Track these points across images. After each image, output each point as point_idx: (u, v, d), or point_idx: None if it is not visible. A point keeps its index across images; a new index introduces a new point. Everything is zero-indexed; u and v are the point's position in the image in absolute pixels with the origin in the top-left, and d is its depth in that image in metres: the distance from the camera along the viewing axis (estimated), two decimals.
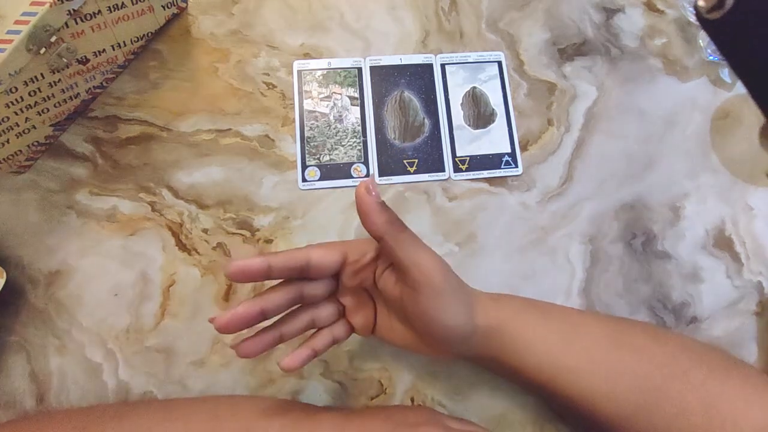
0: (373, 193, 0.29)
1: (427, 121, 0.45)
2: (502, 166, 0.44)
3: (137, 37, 0.42)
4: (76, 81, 0.40)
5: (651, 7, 0.50)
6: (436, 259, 0.30)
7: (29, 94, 0.37)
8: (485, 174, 0.44)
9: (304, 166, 0.43)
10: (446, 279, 0.29)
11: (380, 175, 0.43)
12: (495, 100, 0.46)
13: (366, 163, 0.43)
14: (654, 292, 0.42)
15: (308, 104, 0.44)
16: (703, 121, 0.46)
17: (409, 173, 0.43)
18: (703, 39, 0.48)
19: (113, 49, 0.41)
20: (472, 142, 0.45)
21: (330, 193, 0.43)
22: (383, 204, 0.30)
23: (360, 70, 0.46)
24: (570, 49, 0.48)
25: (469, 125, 0.45)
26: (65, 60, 0.37)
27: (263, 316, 0.29)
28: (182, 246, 0.40)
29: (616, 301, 0.41)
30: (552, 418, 0.38)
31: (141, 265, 0.40)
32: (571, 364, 0.32)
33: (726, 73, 0.47)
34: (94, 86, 0.42)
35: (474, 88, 0.46)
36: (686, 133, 0.46)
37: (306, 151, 0.43)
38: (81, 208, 0.41)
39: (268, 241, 0.41)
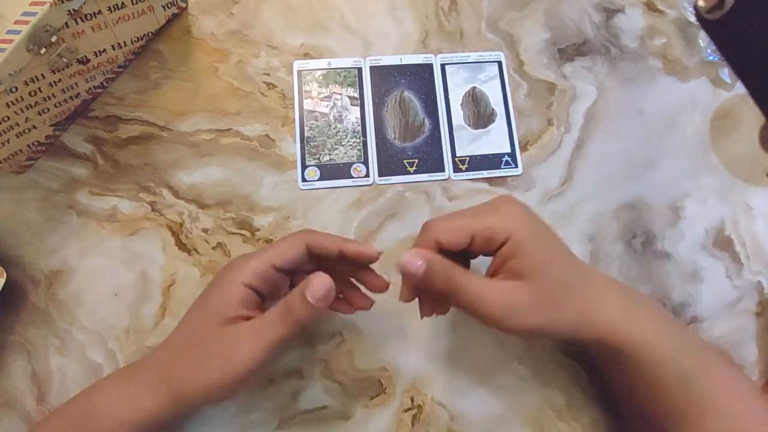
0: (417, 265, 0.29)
1: (427, 121, 0.45)
2: (502, 166, 0.44)
3: (137, 37, 0.42)
4: (76, 81, 0.40)
5: (651, 7, 0.50)
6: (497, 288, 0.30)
7: (29, 94, 0.37)
8: (485, 174, 0.44)
9: (304, 166, 0.43)
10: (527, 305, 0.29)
11: (380, 175, 0.43)
12: (495, 100, 0.46)
13: (366, 163, 0.43)
14: (654, 291, 0.42)
15: (308, 104, 0.44)
16: (703, 121, 0.46)
17: (409, 173, 0.43)
18: (703, 39, 0.48)
19: (113, 49, 0.41)
20: (472, 142, 0.45)
21: (330, 193, 0.43)
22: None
23: (360, 70, 0.46)
24: (570, 49, 0.48)
25: (469, 125, 0.45)
26: (65, 60, 0.37)
27: None
28: (182, 246, 0.40)
29: None
30: (552, 417, 0.38)
31: (141, 265, 0.40)
32: None
33: (726, 73, 0.47)
34: (94, 86, 0.42)
35: (474, 88, 0.46)
36: (686, 133, 0.46)
37: (306, 151, 0.43)
38: (81, 207, 0.41)
39: (268, 241, 0.41)
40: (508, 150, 0.45)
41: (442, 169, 0.44)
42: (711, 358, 0.33)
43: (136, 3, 0.40)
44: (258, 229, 0.41)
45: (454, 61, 0.47)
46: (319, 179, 0.43)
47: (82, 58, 0.38)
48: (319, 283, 0.28)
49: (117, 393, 0.31)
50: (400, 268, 0.29)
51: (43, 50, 0.34)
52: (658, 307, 0.35)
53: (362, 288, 0.35)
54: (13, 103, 0.36)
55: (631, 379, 0.33)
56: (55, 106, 0.39)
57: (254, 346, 0.28)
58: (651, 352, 0.31)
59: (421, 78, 0.46)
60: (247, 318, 0.30)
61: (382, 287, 0.33)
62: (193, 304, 0.32)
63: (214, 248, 0.40)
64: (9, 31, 0.32)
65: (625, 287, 0.35)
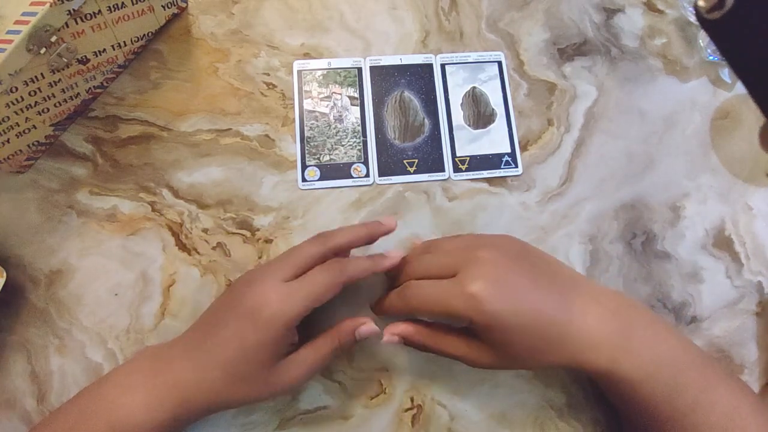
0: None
1: (427, 121, 0.45)
2: (502, 166, 0.44)
3: (137, 37, 0.42)
4: (76, 81, 0.40)
5: (651, 7, 0.50)
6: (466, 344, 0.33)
7: (29, 94, 0.37)
8: (485, 174, 0.44)
9: (304, 166, 0.43)
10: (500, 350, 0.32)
11: (380, 175, 0.43)
12: (495, 100, 0.46)
13: (366, 163, 0.43)
14: (654, 292, 0.42)
15: (308, 104, 0.44)
16: (703, 121, 0.47)
17: (409, 173, 0.43)
18: (703, 39, 0.48)
19: (113, 49, 0.41)
20: (472, 142, 0.45)
21: (330, 192, 0.43)
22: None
23: (360, 70, 0.46)
24: (570, 49, 0.48)
25: (469, 125, 0.45)
26: (65, 60, 0.37)
27: None
28: (182, 246, 0.40)
29: None
30: (552, 417, 0.38)
31: (141, 265, 0.40)
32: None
33: (726, 73, 0.47)
34: (94, 86, 0.42)
35: (474, 88, 0.46)
36: (686, 133, 0.46)
37: (306, 151, 0.43)
38: (81, 207, 0.41)
39: (268, 241, 0.41)
40: (508, 150, 0.45)
41: (442, 169, 0.44)
42: (710, 386, 0.32)
43: (136, 3, 0.40)
44: (258, 229, 0.41)
45: (454, 61, 0.47)
46: (319, 179, 0.43)
47: (82, 58, 0.38)
48: (369, 330, 0.34)
49: (143, 406, 0.31)
50: (383, 341, 0.35)
51: (43, 50, 0.34)
52: (653, 330, 0.33)
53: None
54: (13, 103, 0.36)
55: (622, 405, 0.35)
56: (55, 106, 0.39)
57: (305, 373, 0.32)
58: (645, 388, 0.31)
59: (421, 78, 0.46)
60: (289, 343, 0.32)
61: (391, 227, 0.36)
62: (218, 326, 0.32)
63: (214, 248, 0.40)
64: (9, 31, 0.32)
65: (622, 316, 0.32)
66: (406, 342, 0.35)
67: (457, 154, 0.44)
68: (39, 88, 0.37)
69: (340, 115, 0.44)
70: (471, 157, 0.44)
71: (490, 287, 0.30)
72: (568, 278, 0.34)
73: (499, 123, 0.45)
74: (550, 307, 0.31)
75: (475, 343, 0.32)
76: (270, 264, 0.34)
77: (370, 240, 0.35)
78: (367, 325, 0.34)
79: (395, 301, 0.34)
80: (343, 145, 0.44)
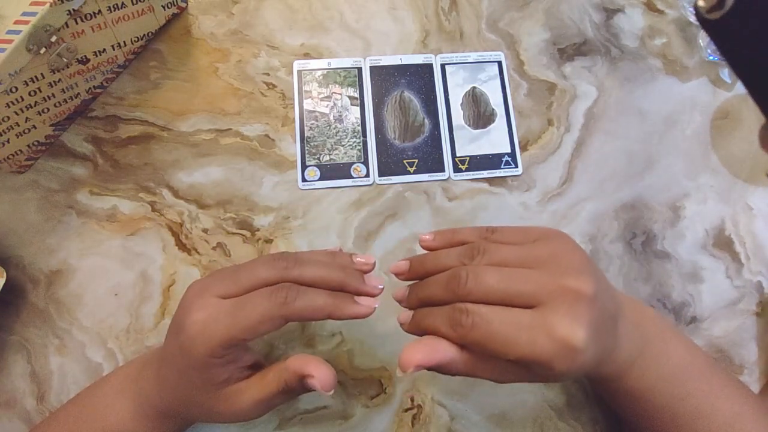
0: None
1: (427, 121, 0.45)
2: (502, 166, 0.44)
3: (137, 37, 0.42)
4: (76, 81, 0.40)
5: (651, 7, 0.50)
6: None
7: (29, 94, 0.37)
8: (485, 174, 0.44)
9: (304, 166, 0.43)
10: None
11: (380, 175, 0.43)
12: (495, 100, 0.46)
13: (366, 163, 0.43)
14: (654, 291, 0.42)
15: (308, 104, 0.44)
16: (703, 121, 0.46)
17: (409, 173, 0.43)
18: (703, 39, 0.48)
19: (113, 49, 0.41)
20: (472, 142, 0.45)
21: (330, 192, 0.43)
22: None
23: (360, 70, 0.46)
24: (570, 49, 0.48)
25: (469, 125, 0.45)
26: (65, 60, 0.37)
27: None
28: (182, 246, 0.40)
29: None
30: (551, 417, 0.38)
31: (141, 265, 0.40)
32: None
33: (726, 73, 0.47)
34: (94, 86, 0.42)
35: (474, 88, 0.46)
36: (686, 133, 0.46)
37: (306, 151, 0.43)
38: (81, 207, 0.41)
39: (268, 241, 0.41)
40: (508, 150, 0.45)
41: (442, 169, 0.44)
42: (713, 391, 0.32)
43: (136, 3, 0.40)
44: (258, 229, 0.41)
45: (454, 61, 0.47)
46: (319, 179, 0.43)
47: (81, 58, 0.38)
48: (321, 385, 0.27)
49: (132, 413, 0.31)
50: (401, 375, 0.28)
51: (42, 50, 0.34)
52: (663, 340, 0.31)
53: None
54: (13, 103, 0.36)
55: (627, 411, 0.34)
56: (55, 106, 0.39)
57: (248, 408, 0.29)
58: (647, 399, 0.31)
59: (421, 78, 0.46)
60: (235, 368, 0.28)
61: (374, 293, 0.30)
62: (165, 356, 0.30)
63: (214, 248, 0.40)
64: (9, 31, 0.32)
65: (640, 331, 0.30)
66: (438, 369, 0.27)
67: (457, 154, 0.44)
68: (39, 88, 0.37)
69: (340, 115, 0.44)
70: (471, 157, 0.44)
71: (589, 334, 0.24)
72: (616, 299, 0.30)
73: (499, 123, 0.45)
74: (612, 344, 0.28)
75: (512, 364, 0.26)
76: (216, 274, 0.29)
77: (342, 289, 0.29)
78: (318, 379, 0.27)
79: (443, 328, 0.26)
80: (343, 145, 0.44)
